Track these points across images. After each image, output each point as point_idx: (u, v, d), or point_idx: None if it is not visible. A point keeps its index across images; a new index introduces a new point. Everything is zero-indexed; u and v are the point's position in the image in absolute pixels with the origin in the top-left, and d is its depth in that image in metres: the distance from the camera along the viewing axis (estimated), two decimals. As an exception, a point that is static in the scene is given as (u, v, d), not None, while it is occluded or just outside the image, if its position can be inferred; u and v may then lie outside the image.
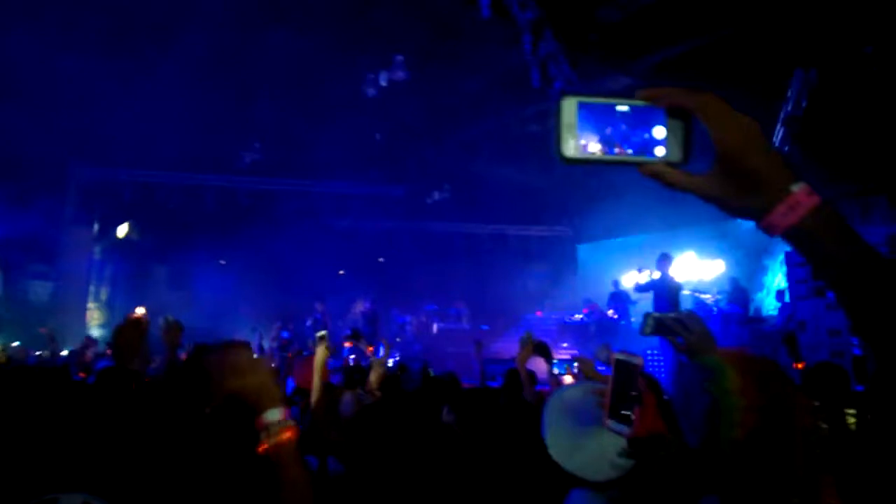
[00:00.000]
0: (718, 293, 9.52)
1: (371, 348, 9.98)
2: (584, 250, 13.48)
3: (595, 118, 0.77)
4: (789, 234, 0.75)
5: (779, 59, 6.45)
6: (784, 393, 1.38)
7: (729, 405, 1.31)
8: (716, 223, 9.50)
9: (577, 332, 10.68)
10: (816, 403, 3.16)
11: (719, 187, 0.76)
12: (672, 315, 1.91)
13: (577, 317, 11.15)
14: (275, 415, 1.26)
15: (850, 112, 6.67)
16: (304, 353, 6.11)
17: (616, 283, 11.19)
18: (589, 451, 1.76)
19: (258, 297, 10.88)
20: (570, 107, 0.77)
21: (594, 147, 0.77)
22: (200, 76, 7.32)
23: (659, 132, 0.78)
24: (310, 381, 2.96)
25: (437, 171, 10.77)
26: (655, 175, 0.78)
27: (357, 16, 6.58)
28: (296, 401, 3.62)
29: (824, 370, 3.20)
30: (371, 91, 7.50)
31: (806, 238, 0.74)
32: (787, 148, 7.89)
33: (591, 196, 10.73)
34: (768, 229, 0.75)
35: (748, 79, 6.28)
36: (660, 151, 0.78)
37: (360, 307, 11.40)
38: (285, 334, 9.79)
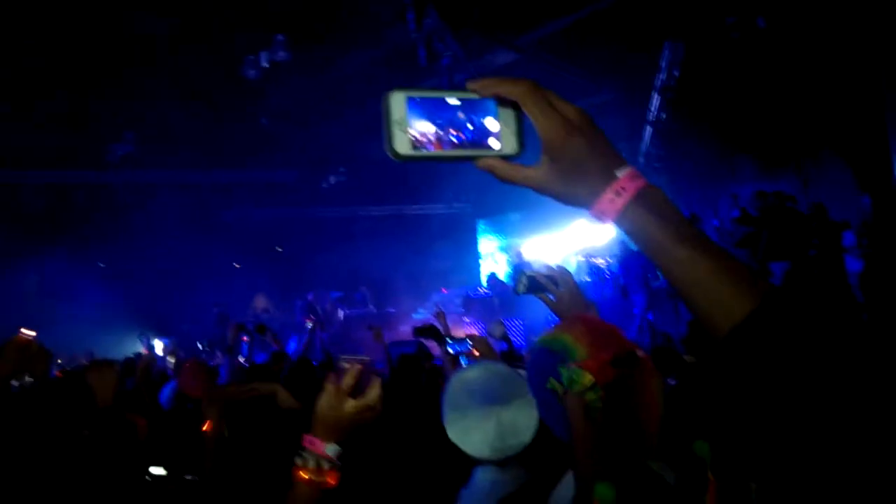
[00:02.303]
0: (610, 257, 10.00)
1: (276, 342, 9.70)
2: (484, 225, 13.74)
3: (426, 112, 0.74)
4: (621, 221, 0.74)
5: (651, 32, 6.77)
6: (630, 360, 1.42)
7: (584, 386, 1.33)
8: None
9: (481, 307, 10.89)
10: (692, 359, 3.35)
11: (548, 179, 0.76)
12: (544, 272, 1.92)
13: (481, 290, 11.36)
14: (334, 451, 1.15)
15: (717, 79, 7.14)
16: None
17: (518, 255, 11.50)
18: (487, 430, 1.77)
19: (146, 301, 10.23)
20: (398, 102, 0.73)
21: (427, 142, 0.74)
22: (58, 63, 6.69)
23: (492, 124, 0.77)
24: (195, 388, 2.80)
25: (330, 154, 10.51)
26: (489, 169, 0.77)
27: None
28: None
29: (699, 326, 3.42)
30: (252, 73, 7.14)
31: (634, 223, 0.73)
32: (664, 115, 8.35)
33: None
34: (599, 217, 0.75)
35: (626, 51, 6.56)
36: (495, 144, 0.77)
37: (260, 302, 11.02)
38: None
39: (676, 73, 7.89)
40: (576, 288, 1.90)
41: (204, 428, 2.52)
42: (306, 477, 1.16)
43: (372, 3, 6.22)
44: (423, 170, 10.90)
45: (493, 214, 13.19)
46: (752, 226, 7.07)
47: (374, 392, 1.24)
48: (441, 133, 0.75)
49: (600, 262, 9.98)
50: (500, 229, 13.25)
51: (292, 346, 10.42)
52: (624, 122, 8.26)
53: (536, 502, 1.46)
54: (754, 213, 7.29)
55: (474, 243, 13.74)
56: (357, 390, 1.24)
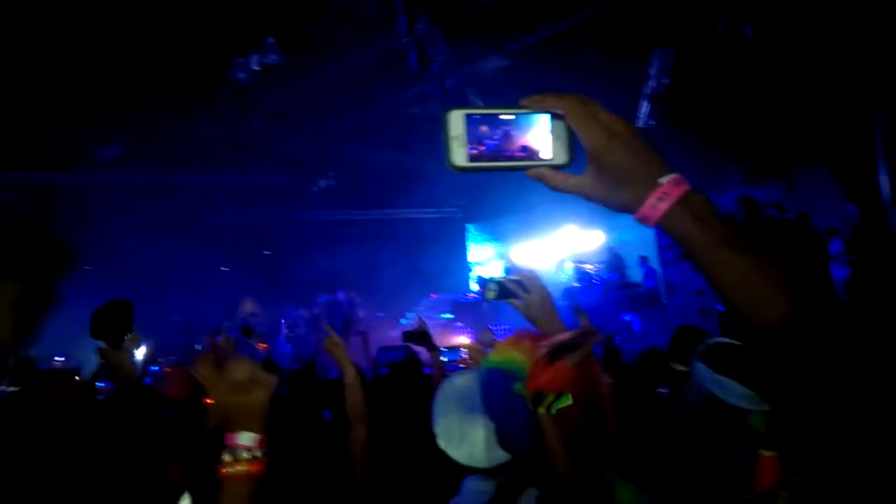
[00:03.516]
0: (598, 263, 10.04)
1: (264, 346, 9.64)
2: (474, 230, 13.74)
3: (481, 127, 0.82)
4: (663, 224, 0.79)
5: (641, 39, 6.82)
6: (590, 372, 1.42)
7: (550, 401, 1.33)
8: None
9: (471, 311, 10.88)
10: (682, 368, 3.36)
11: (594, 186, 0.82)
12: (513, 277, 1.93)
13: (471, 295, 11.36)
14: (248, 440, 1.13)
15: (706, 87, 7.20)
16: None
17: (508, 260, 11.52)
18: (477, 438, 1.76)
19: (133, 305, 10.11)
20: (456, 119, 0.82)
21: (483, 155, 0.82)
22: (45, 63, 6.62)
23: (542, 136, 0.84)
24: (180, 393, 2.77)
25: (320, 158, 10.47)
26: (539, 178, 0.83)
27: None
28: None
29: (686, 333, 3.42)
30: (242, 75, 7.11)
31: (677, 226, 0.78)
32: (653, 123, 8.40)
33: (478, 176, 10.91)
34: (643, 221, 0.80)
35: (616, 57, 6.59)
36: (545, 154, 0.84)
37: (247, 306, 10.95)
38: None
39: (666, 81, 7.95)
40: (545, 292, 1.92)
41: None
42: (225, 472, 1.15)
43: (363, 7, 6.22)
44: (413, 174, 10.90)
45: (482, 219, 13.21)
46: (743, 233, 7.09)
47: (238, 370, 1.20)
48: (495, 146, 0.83)
49: (589, 267, 10.02)
50: (489, 234, 13.26)
51: (285, 349, 10.38)
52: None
53: None
54: (740, 219, 7.36)
55: (464, 248, 13.74)
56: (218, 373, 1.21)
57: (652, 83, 8.00)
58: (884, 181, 5.11)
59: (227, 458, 1.14)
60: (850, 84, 5.10)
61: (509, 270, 11.16)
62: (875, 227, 5.80)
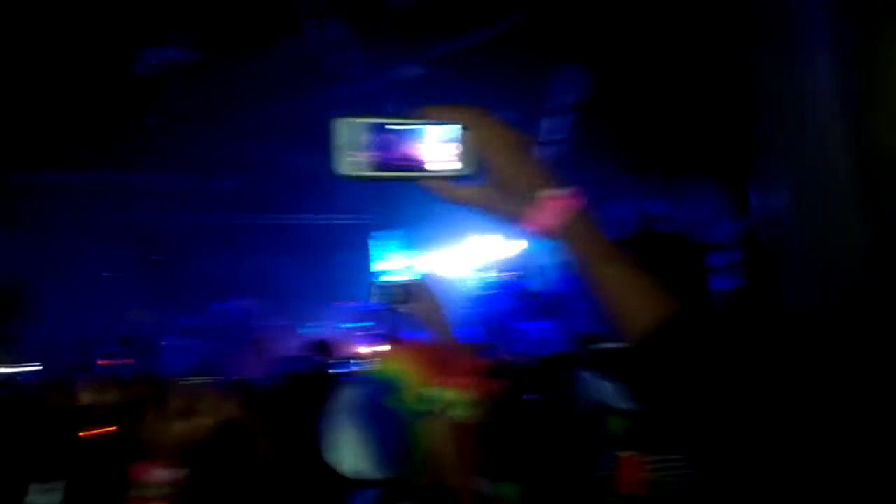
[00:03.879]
0: (511, 270, 10.31)
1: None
2: (380, 238, 13.63)
3: (371, 137, 0.82)
4: (548, 236, 0.83)
5: (559, 52, 7.10)
6: (505, 370, 1.46)
7: (457, 404, 1.35)
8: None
9: (376, 320, 10.78)
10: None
11: (486, 198, 0.85)
12: (399, 282, 1.97)
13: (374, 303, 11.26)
14: (161, 476, 1.02)
15: (609, 105, 7.59)
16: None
17: (412, 268, 11.51)
18: (363, 450, 1.73)
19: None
20: (343, 127, 0.81)
21: (371, 164, 0.82)
22: None
23: (439, 147, 0.84)
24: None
25: (222, 158, 10.04)
26: (435, 189, 0.85)
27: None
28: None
29: (586, 339, 3.56)
30: (141, 69, 6.70)
31: (561, 238, 0.83)
32: (558, 136, 8.73)
33: (388, 184, 10.84)
34: (533, 234, 0.84)
35: (531, 71, 6.81)
36: (440, 166, 0.84)
37: (137, 315, 10.32)
38: None
39: (573, 97, 8.31)
40: (433, 300, 1.94)
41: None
42: None
43: (279, 7, 6.07)
44: (319, 180, 10.68)
45: (388, 228, 13.14)
46: (628, 245, 7.51)
47: (207, 413, 1.16)
48: (387, 156, 0.82)
49: (496, 275, 10.25)
50: (397, 243, 13.21)
51: (176, 361, 9.82)
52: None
53: None
54: (631, 230, 7.75)
55: (368, 256, 13.62)
56: (188, 411, 1.16)
57: (560, 98, 8.33)
58: (753, 198, 5.57)
59: (135, 492, 1.05)
60: (736, 102, 5.53)
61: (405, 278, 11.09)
62: (754, 241, 6.30)
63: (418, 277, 1.94)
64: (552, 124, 8.49)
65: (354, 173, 0.82)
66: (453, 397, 1.34)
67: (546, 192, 0.82)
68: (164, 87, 7.34)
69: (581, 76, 7.67)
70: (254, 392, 4.32)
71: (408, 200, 10.63)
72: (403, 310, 1.88)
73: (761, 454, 0.74)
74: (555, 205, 0.82)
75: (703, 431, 0.77)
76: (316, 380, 4.37)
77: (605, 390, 1.85)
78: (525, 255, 10.44)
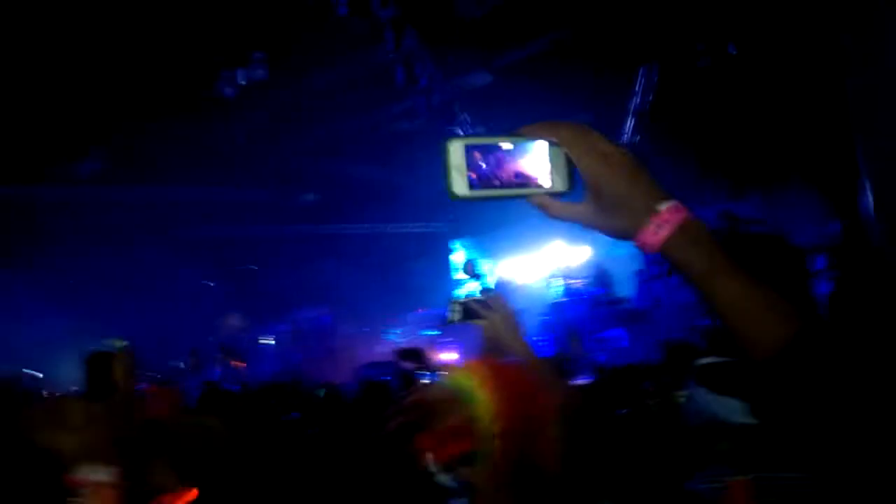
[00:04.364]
0: (585, 278, 10.07)
1: (241, 363, 9.53)
2: (461, 245, 13.72)
3: (482, 156, 0.83)
4: (663, 251, 0.80)
5: (627, 56, 6.91)
6: (531, 402, 1.40)
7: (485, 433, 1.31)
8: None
9: (459, 327, 10.82)
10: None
11: (593, 214, 0.83)
12: (477, 298, 1.92)
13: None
14: (96, 473, 1.06)
15: (690, 103, 7.30)
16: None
17: (491, 275, 11.49)
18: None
19: (114, 320, 9.89)
20: (456, 149, 0.82)
21: (483, 184, 0.83)
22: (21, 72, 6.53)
23: (542, 165, 0.85)
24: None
25: (304, 172, 10.43)
26: (540, 206, 0.85)
27: (208, 10, 6.18)
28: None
29: (677, 349, 3.44)
30: (228, 90, 7.08)
31: (676, 253, 0.80)
32: (637, 138, 8.49)
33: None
34: (643, 248, 0.81)
35: (602, 74, 6.67)
36: (544, 182, 0.84)
37: (233, 320, 10.83)
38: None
39: (650, 98, 8.06)
40: (509, 313, 1.90)
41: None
42: None
43: (350, 21, 6.24)
44: (398, 189, 10.88)
45: (469, 235, 13.20)
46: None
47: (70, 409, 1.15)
48: (495, 174, 0.83)
49: (576, 282, 10.03)
50: (476, 250, 13.24)
51: (263, 366, 10.25)
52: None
53: None
54: (721, 234, 7.39)
55: (449, 263, 13.71)
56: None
57: (636, 100, 8.10)
58: (866, 197, 5.19)
59: (77, 498, 1.08)
60: (830, 101, 5.19)
61: (500, 286, 11.15)
62: (858, 243, 5.88)
63: (493, 290, 1.92)
64: (628, 128, 8.27)
65: (468, 193, 0.82)
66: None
67: (658, 204, 0.80)
68: (247, 105, 7.70)
69: (659, 77, 7.43)
70: (339, 397, 4.41)
71: (486, 207, 10.63)
72: (480, 326, 1.86)
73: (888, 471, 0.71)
74: (670, 217, 0.79)
75: (832, 449, 0.74)
76: (402, 384, 4.42)
77: (717, 406, 1.80)
78: (603, 263, 10.19)
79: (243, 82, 7.25)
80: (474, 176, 0.82)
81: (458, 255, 13.33)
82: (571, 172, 0.85)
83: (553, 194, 0.85)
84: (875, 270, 5.45)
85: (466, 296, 1.94)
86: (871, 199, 5.07)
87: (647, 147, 8.40)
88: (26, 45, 6.25)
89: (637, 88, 7.86)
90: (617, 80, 7.31)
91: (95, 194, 9.61)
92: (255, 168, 9.64)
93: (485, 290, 1.96)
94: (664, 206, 0.80)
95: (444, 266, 13.48)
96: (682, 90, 7.31)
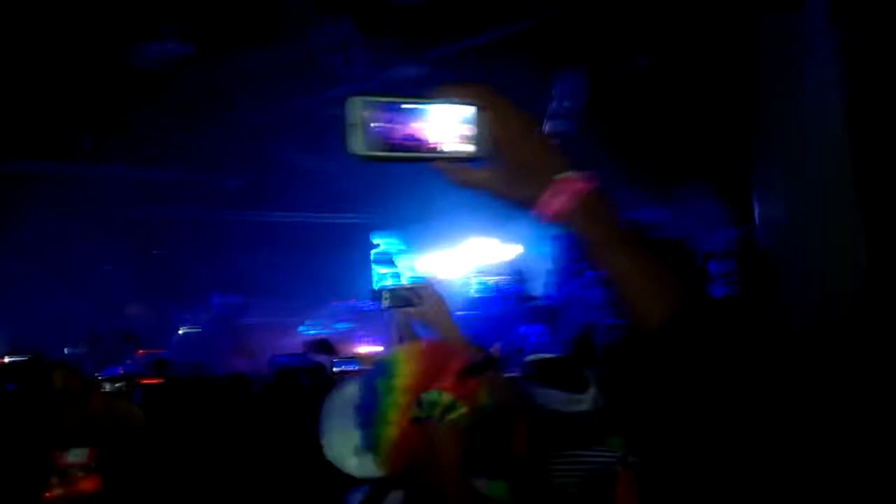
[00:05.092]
0: (504, 275, 10.31)
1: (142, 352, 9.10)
2: (378, 238, 13.66)
3: (385, 115, 0.80)
4: (561, 220, 0.80)
5: (553, 59, 7.11)
6: (481, 366, 1.48)
7: (389, 402, 1.36)
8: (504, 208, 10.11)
9: (374, 319, 10.80)
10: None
11: (498, 180, 0.82)
12: (406, 285, 1.99)
13: (372, 304, 11.26)
14: (78, 455, 1.01)
15: (608, 111, 7.61)
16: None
17: (412, 269, 11.53)
18: (363, 447, 1.74)
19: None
20: (356, 106, 0.79)
21: (384, 144, 0.79)
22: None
23: (451, 127, 0.82)
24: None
25: (226, 154, 10.04)
26: (445, 170, 0.83)
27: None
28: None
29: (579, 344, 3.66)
30: (147, 63, 6.72)
31: (575, 223, 0.79)
32: (556, 142, 8.72)
33: (386, 183, 10.87)
34: (539, 217, 0.81)
35: (528, 74, 6.83)
36: (451, 147, 0.82)
37: (134, 309, 10.33)
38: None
39: (567, 103, 8.32)
40: (440, 302, 1.96)
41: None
42: (57, 493, 1.06)
43: (285, 4, 6.08)
44: (321, 177, 10.69)
45: (388, 228, 13.16)
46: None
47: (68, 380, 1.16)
48: (398, 134, 0.80)
49: (493, 279, 10.26)
50: (398, 243, 13.23)
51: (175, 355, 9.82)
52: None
53: None
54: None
55: (367, 256, 13.62)
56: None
57: (555, 104, 8.34)
58: (756, 205, 5.59)
59: (55, 480, 1.04)
60: (734, 111, 5.55)
61: (409, 279, 11.15)
62: (750, 250, 6.33)
63: (425, 280, 1.97)
64: (550, 128, 8.51)
65: (367, 152, 0.79)
66: (450, 401, 1.34)
67: (560, 175, 0.80)
68: (171, 82, 7.35)
69: (580, 80, 7.69)
70: (247, 388, 4.32)
71: (407, 201, 10.65)
72: (412, 312, 1.90)
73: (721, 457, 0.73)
74: (569, 187, 0.79)
75: (669, 426, 0.76)
76: (313, 376, 4.37)
77: (552, 397, 1.98)
78: (522, 259, 10.46)
79: (159, 56, 6.90)
80: (375, 135, 0.79)
81: (379, 248, 13.29)
82: (480, 137, 0.82)
83: (459, 159, 0.83)
84: (762, 276, 5.88)
85: (399, 284, 2.00)
86: (757, 206, 5.47)
87: (567, 148, 8.65)
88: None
89: (555, 93, 8.08)
90: (546, 80, 7.51)
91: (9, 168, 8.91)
92: (177, 149, 9.20)
93: (414, 280, 2.02)
94: (566, 175, 0.80)
95: (364, 259, 13.38)
96: (602, 98, 7.61)
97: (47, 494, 0.98)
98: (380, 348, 9.01)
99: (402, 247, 12.35)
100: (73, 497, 0.98)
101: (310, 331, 10.47)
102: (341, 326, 10.97)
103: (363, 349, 9.06)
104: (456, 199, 9.16)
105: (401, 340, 2.04)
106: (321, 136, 8.32)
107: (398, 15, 6.30)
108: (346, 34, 6.40)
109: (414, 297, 1.90)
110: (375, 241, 13.45)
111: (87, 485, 0.99)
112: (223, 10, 6.30)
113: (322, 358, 5.06)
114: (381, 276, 12.92)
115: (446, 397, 1.34)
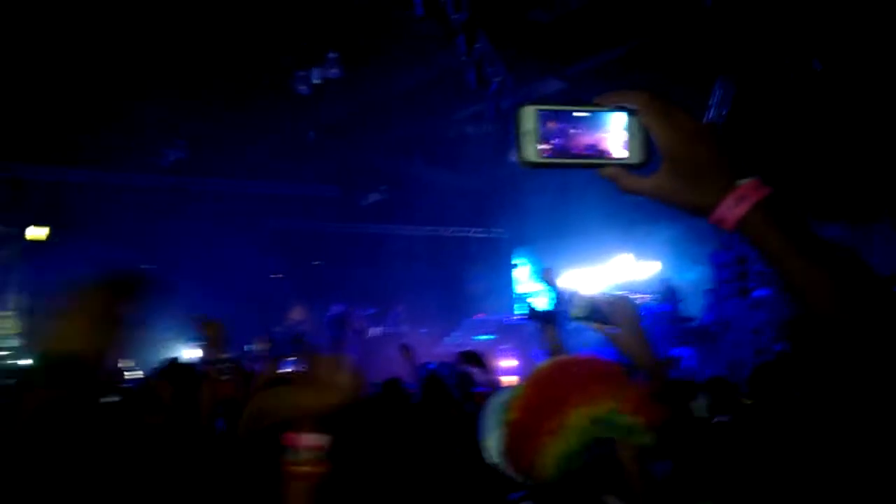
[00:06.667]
0: (652, 293, 9.80)
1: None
2: (521, 253, 13.64)
3: (553, 124, 0.80)
4: (740, 228, 0.75)
5: (703, 68, 6.69)
6: (668, 393, 1.36)
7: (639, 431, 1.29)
8: (651, 224, 9.67)
9: (516, 333, 10.76)
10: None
11: (668, 187, 0.78)
12: (607, 297, 1.74)
13: (515, 317, 11.26)
14: (315, 440, 1.14)
15: (767, 120, 6.99)
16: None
17: (556, 285, 11.35)
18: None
19: (187, 308, 10.32)
20: (528, 114, 0.80)
21: (554, 152, 0.80)
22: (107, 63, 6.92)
23: (617, 135, 0.81)
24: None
25: (372, 171, 10.62)
26: (611, 178, 0.80)
27: (285, 10, 6.40)
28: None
29: (766, 370, 3.36)
30: (303, 88, 7.29)
31: (755, 231, 0.74)
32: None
33: (527, 199, 10.85)
34: (719, 223, 0.76)
35: (675, 85, 6.49)
36: (618, 154, 0.81)
37: (297, 313, 11.12)
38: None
39: (725, 112, 7.77)
40: (638, 322, 1.77)
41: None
42: (299, 471, 1.15)
43: (423, 25, 6.30)
44: (463, 193, 10.92)
45: (530, 242, 13.10)
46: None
47: (340, 378, 1.20)
48: (567, 143, 0.81)
49: (641, 297, 9.78)
50: (537, 258, 13.14)
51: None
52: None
53: None
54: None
55: (509, 270, 13.64)
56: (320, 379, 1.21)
57: (711, 113, 7.83)
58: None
59: (290, 457, 1.15)
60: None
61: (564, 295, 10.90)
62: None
63: (622, 296, 1.77)
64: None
65: (539, 160, 0.80)
66: (631, 422, 1.30)
67: (736, 182, 0.75)
68: (321, 104, 7.87)
69: (737, 91, 7.16)
70: (402, 393, 4.43)
71: (550, 215, 10.54)
72: (603, 329, 1.73)
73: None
74: (753, 193, 0.74)
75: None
76: (462, 387, 4.42)
77: None
78: (671, 279, 9.89)
79: (318, 80, 7.46)
80: (545, 143, 0.80)
81: (522, 268, 13.25)
82: (647, 144, 0.81)
83: (626, 166, 0.81)
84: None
85: (593, 295, 1.78)
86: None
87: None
88: (102, 36, 6.58)
89: (712, 101, 7.59)
90: (692, 93, 7.09)
91: (176, 184, 10.11)
92: (324, 165, 9.86)
93: (612, 295, 1.79)
94: (745, 181, 0.75)
95: (504, 273, 13.43)
96: (761, 106, 7.02)
97: (286, 466, 1.10)
98: (516, 362, 8.96)
99: (542, 263, 12.23)
100: (301, 475, 1.10)
101: (454, 341, 10.65)
102: (482, 338, 11.04)
103: (505, 362, 9.05)
104: (597, 215, 8.92)
105: (551, 354, 1.96)
106: (458, 153, 8.51)
107: (535, 31, 6.28)
108: (481, 52, 6.48)
109: (610, 310, 1.71)
110: (517, 258, 13.49)
111: (317, 468, 1.11)
112: (367, 33, 6.63)
113: (470, 369, 5.11)
114: (527, 292, 12.89)
115: (627, 419, 1.31)
